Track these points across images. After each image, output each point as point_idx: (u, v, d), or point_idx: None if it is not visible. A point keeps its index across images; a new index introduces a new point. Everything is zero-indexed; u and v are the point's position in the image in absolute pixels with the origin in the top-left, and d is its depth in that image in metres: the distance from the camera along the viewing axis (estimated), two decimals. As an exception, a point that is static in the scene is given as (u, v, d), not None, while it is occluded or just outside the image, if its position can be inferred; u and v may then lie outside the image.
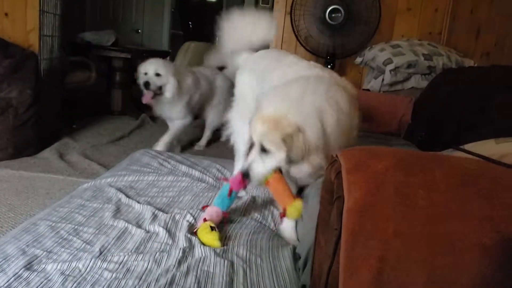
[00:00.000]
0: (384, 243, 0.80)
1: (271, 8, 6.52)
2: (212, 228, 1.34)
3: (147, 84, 3.13)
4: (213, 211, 1.44)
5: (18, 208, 2.17)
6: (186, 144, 3.84)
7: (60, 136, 3.57)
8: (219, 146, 3.97)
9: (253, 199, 1.75)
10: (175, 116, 3.39)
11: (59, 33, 3.67)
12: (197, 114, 3.71)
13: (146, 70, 3.18)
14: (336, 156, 0.91)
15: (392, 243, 0.80)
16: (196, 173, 1.99)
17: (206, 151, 3.70)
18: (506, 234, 0.77)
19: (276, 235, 1.48)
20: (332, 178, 0.92)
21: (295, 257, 1.33)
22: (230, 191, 1.47)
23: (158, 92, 3.18)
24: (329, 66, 3.02)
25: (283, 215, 1.41)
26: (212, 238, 1.32)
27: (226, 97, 3.56)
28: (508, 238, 0.76)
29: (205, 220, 1.38)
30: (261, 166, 1.38)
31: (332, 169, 0.92)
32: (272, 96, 1.41)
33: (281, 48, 3.26)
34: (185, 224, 1.41)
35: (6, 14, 3.43)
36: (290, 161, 1.34)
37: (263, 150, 1.36)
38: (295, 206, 1.36)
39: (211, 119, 3.77)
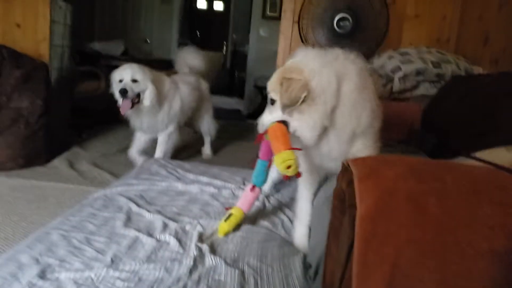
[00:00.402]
0: (397, 250, 0.80)
1: (279, 17, 6.56)
2: (228, 216, 1.46)
3: (123, 92, 2.80)
4: (245, 199, 1.53)
5: (30, 217, 2.18)
6: (193, 152, 3.85)
7: (70, 145, 3.60)
8: (226, 153, 3.98)
9: (264, 206, 1.76)
10: (158, 128, 3.11)
11: (69, 43, 3.72)
12: (188, 124, 3.60)
13: (121, 76, 2.86)
14: (348, 164, 0.92)
15: (404, 250, 0.80)
16: (205, 180, 2.01)
17: (215, 159, 3.71)
18: (518, 241, 0.77)
19: (287, 243, 1.48)
20: (343, 187, 0.92)
21: (306, 266, 1.33)
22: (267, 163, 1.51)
23: (136, 100, 2.88)
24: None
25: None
26: (221, 226, 1.44)
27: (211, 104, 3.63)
28: (521, 245, 0.76)
29: (226, 209, 1.52)
30: (267, 116, 1.34)
31: (344, 177, 0.93)
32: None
33: (289, 57, 3.27)
34: (195, 233, 1.42)
35: (18, 25, 3.48)
36: (287, 107, 1.25)
37: (272, 102, 1.32)
38: (281, 156, 1.24)
39: (205, 126, 3.69)
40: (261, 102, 6.80)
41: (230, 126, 5.72)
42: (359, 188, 0.82)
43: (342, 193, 0.93)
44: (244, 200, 1.52)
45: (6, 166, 2.86)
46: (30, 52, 3.43)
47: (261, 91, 6.72)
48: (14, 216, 2.19)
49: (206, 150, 3.81)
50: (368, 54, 2.99)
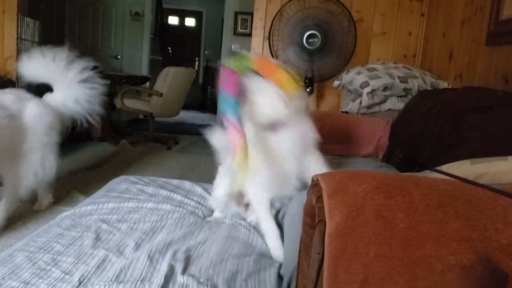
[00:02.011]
0: (366, 266, 0.81)
1: (250, 34, 6.63)
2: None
3: None
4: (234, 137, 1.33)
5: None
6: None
7: (38, 164, 3.51)
8: (199, 169, 3.96)
9: (238, 223, 1.75)
10: None
11: (37, 60, 3.65)
12: None
13: None
14: (317, 179, 0.92)
15: (374, 266, 0.81)
16: (178, 197, 1.98)
17: (189, 175, 3.68)
18: (484, 254, 0.79)
19: (264, 255, 1.47)
20: (313, 202, 0.93)
21: (280, 278, 1.32)
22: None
23: None
24: (307, 90, 3.06)
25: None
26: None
27: (46, 138, 2.42)
28: (486, 258, 0.78)
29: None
30: None
31: (313, 192, 0.93)
32: None
33: (260, 73, 3.30)
34: (168, 251, 1.40)
35: (-18, 42, 3.41)
36: None
37: None
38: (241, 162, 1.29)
39: (11, 180, 2.35)
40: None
41: (202, 141, 5.70)
42: (328, 204, 0.83)
43: (312, 209, 0.93)
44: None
45: (-31, 187, 2.75)
46: (-4, 69, 3.37)
47: (234, 106, 6.72)
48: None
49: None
50: (337, 70, 3.04)
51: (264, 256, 1.47)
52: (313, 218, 0.93)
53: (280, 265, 1.39)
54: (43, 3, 6.54)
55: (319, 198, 0.88)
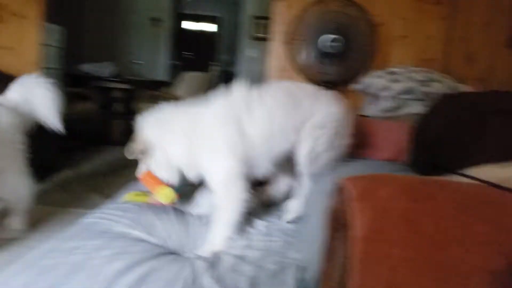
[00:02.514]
0: (392, 269, 0.81)
1: (267, 38, 6.65)
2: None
3: None
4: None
5: (21, 241, 2.16)
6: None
7: (60, 167, 3.58)
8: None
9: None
10: None
11: (60, 65, 3.73)
12: None
13: None
14: (343, 183, 0.93)
15: (400, 270, 0.81)
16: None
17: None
18: (511, 258, 0.78)
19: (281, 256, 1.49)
20: (338, 206, 0.93)
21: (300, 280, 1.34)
22: None
23: None
24: (327, 94, 3.06)
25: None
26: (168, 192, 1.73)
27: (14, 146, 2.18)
28: (514, 262, 0.77)
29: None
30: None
31: (338, 196, 0.94)
32: None
33: (279, 77, 3.31)
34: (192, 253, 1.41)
35: (9, 48, 3.49)
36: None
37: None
38: (164, 192, 1.73)
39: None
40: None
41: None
42: (354, 208, 0.83)
43: (337, 212, 0.94)
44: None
45: (-4, 189, 2.81)
46: (20, 75, 3.42)
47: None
48: (4, 240, 2.16)
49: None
50: (357, 74, 3.04)
51: (283, 258, 1.49)
52: (338, 222, 0.94)
53: (298, 267, 1.40)
54: (63, 9, 6.67)
55: (345, 201, 0.89)
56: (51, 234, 2.26)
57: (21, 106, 2.31)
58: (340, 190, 0.96)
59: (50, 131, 3.40)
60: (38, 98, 2.38)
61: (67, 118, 4.10)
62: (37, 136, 3.00)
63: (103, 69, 4.91)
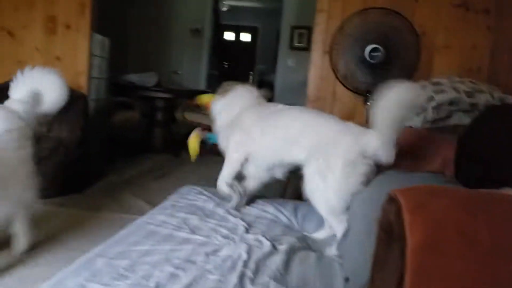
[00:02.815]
0: (447, 283, 0.80)
1: (306, 48, 6.66)
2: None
3: None
4: None
5: (69, 244, 2.24)
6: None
7: (105, 173, 3.70)
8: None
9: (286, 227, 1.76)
10: None
11: (106, 75, 3.87)
12: None
13: None
14: (394, 194, 0.93)
15: (454, 282, 0.80)
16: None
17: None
18: None
19: (322, 257, 1.50)
20: (391, 218, 0.93)
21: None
22: None
23: None
24: (368, 103, 3.04)
25: None
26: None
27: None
28: None
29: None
30: None
31: (391, 208, 0.93)
32: None
33: (319, 86, 3.32)
34: (238, 263, 1.43)
35: (58, 58, 3.65)
36: None
37: None
38: (191, 147, 2.39)
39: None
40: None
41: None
42: (409, 220, 0.83)
43: (389, 224, 0.93)
44: None
45: (45, 194, 2.93)
46: (70, 84, 3.55)
47: (289, 120, 6.75)
48: (54, 243, 2.25)
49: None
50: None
51: (322, 257, 1.50)
52: (389, 234, 0.94)
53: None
54: (108, 20, 6.90)
55: (398, 213, 0.88)
56: (97, 239, 2.33)
57: (26, 104, 2.13)
58: (391, 201, 0.95)
59: (95, 139, 3.53)
60: (46, 90, 2.23)
61: (112, 126, 4.26)
62: (83, 143, 3.12)
63: (147, 78, 5.05)
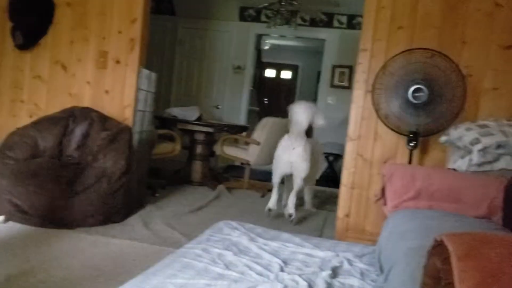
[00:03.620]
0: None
1: (347, 86, 6.68)
2: None
3: None
4: None
5: (107, 274, 2.27)
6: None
7: (144, 204, 3.76)
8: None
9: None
10: None
11: (150, 108, 3.99)
12: None
13: None
14: (441, 240, 0.89)
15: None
16: (276, 244, 2.00)
17: (282, 226, 3.69)
18: None
19: None
20: (437, 264, 0.89)
21: None
22: None
23: None
24: (411, 144, 2.98)
25: None
26: None
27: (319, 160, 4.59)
28: None
29: None
30: None
31: (438, 254, 0.90)
32: None
33: (360, 125, 3.30)
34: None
35: (106, 91, 3.81)
36: None
37: None
38: None
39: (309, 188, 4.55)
40: (327, 168, 6.78)
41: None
42: (458, 267, 0.79)
43: (436, 271, 0.90)
44: None
45: (87, 222, 3.02)
46: (116, 116, 3.72)
47: (327, 157, 6.72)
48: (93, 272, 2.28)
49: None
50: (444, 125, 2.94)
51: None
52: (436, 281, 0.90)
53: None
54: (156, 56, 7.20)
55: (446, 260, 0.85)
56: (134, 270, 2.35)
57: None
58: (438, 247, 0.92)
59: (137, 169, 3.61)
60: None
61: (153, 157, 4.35)
62: (126, 174, 3.19)
63: (188, 112, 5.17)
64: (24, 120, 3.92)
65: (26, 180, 2.99)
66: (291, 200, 3.74)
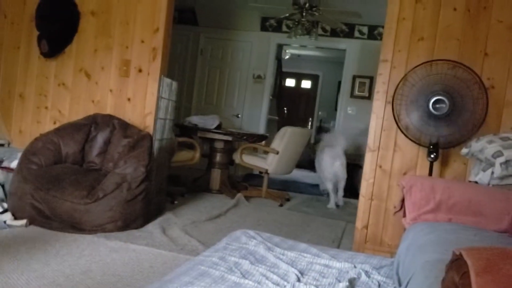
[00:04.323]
0: None
1: (367, 97, 6.65)
2: None
3: None
4: None
5: (125, 279, 2.29)
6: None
7: (163, 211, 3.79)
8: (312, 229, 3.93)
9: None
10: None
11: (171, 116, 4.04)
12: None
13: None
14: (460, 254, 0.89)
15: None
16: (293, 254, 2.00)
17: (299, 234, 3.68)
18: None
19: None
20: (455, 278, 0.89)
21: None
22: None
23: None
24: (432, 156, 2.95)
25: None
26: None
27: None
28: None
29: None
30: None
31: (455, 267, 0.89)
32: None
33: (380, 136, 3.27)
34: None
35: (128, 99, 3.88)
36: None
37: None
38: None
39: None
40: (346, 179, 6.72)
41: (315, 200, 5.70)
42: (477, 283, 0.79)
43: (454, 286, 0.89)
44: None
45: (106, 228, 3.06)
46: (137, 123, 3.78)
47: (346, 168, 6.67)
48: (111, 277, 2.30)
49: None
50: (465, 137, 2.91)
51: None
52: (454, 295, 0.89)
53: None
54: (177, 65, 7.31)
55: (464, 274, 0.84)
56: (152, 275, 2.37)
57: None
58: (457, 261, 0.91)
59: (157, 177, 3.65)
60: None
61: (173, 165, 4.39)
62: (145, 181, 3.23)
63: (208, 121, 5.21)
64: (48, 126, 4.02)
65: (48, 185, 3.05)
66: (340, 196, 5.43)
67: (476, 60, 3.08)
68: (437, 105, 2.86)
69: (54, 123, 4.05)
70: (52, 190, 3.02)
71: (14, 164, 3.49)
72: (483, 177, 2.58)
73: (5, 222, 2.92)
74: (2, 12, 4.24)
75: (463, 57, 3.07)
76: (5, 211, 3.06)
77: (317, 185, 7.21)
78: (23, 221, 2.97)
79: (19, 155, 3.37)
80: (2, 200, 3.17)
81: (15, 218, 3.01)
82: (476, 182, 2.65)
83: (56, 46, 4.02)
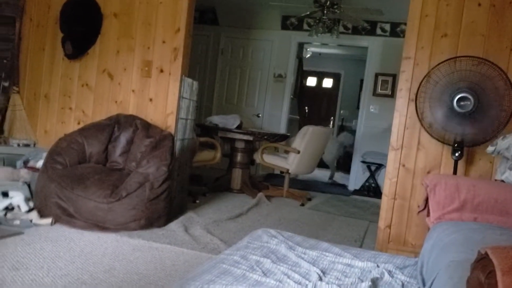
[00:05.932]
0: None
1: (390, 95, 6.56)
2: None
3: None
4: None
5: (148, 277, 2.31)
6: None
7: (185, 210, 3.82)
8: (333, 229, 3.91)
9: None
10: None
11: (192, 116, 4.06)
12: None
13: None
14: (486, 253, 0.87)
15: None
16: (315, 253, 1.98)
17: (322, 233, 3.65)
18: None
19: None
20: (481, 278, 0.87)
21: None
22: None
23: None
24: (456, 154, 2.90)
25: None
26: None
27: None
28: None
29: None
30: None
31: (481, 267, 0.87)
32: None
33: (404, 134, 3.23)
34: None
35: (150, 100, 3.92)
36: None
37: None
38: None
39: None
40: (369, 178, 6.67)
41: (336, 200, 5.66)
42: (503, 282, 0.77)
43: (480, 284, 0.87)
44: None
45: (129, 226, 3.10)
46: (159, 123, 3.81)
47: (369, 166, 6.61)
48: (134, 275, 2.33)
49: None
50: (491, 135, 2.84)
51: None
52: (480, 295, 0.87)
53: None
54: (198, 65, 7.35)
55: (490, 274, 0.82)
56: (175, 274, 2.39)
57: None
58: (482, 260, 0.89)
59: (179, 176, 3.68)
60: None
61: (194, 165, 4.42)
62: (168, 180, 3.26)
63: (229, 120, 5.23)
64: (72, 126, 4.10)
65: (72, 184, 3.11)
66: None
67: (502, 56, 3.01)
68: (462, 103, 2.80)
69: (78, 123, 4.13)
70: (76, 189, 3.08)
71: (39, 164, 3.57)
72: (510, 175, 2.52)
73: (31, 220, 2.99)
74: (28, 16, 4.34)
75: (488, 54, 3.01)
76: (31, 210, 3.13)
77: (340, 185, 7.18)
78: (49, 220, 3.04)
79: (44, 155, 3.44)
80: (28, 199, 3.24)
81: (41, 216, 3.07)
82: (502, 181, 2.59)
83: (80, 47, 4.10)
